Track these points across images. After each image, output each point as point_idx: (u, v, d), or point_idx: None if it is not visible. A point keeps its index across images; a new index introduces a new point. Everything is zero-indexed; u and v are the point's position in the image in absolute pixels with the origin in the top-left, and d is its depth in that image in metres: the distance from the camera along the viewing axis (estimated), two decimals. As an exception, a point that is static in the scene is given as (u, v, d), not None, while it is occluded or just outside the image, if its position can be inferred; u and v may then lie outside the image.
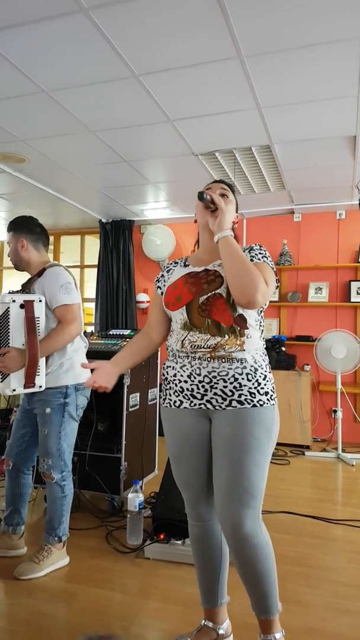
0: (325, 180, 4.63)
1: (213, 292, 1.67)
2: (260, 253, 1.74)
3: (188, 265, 1.83)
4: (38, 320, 2.34)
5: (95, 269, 6.49)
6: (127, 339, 3.49)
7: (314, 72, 2.80)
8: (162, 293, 1.84)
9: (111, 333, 3.69)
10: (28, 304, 2.32)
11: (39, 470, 2.49)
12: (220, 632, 1.81)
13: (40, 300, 2.37)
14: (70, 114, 3.35)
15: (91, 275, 6.74)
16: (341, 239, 5.52)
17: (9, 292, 2.44)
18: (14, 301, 2.28)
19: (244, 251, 1.74)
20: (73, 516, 3.00)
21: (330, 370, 4.94)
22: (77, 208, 5.68)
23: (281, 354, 5.24)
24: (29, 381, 2.30)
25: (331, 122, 3.40)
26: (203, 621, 1.83)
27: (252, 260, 1.70)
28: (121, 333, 3.64)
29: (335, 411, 5.01)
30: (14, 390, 2.29)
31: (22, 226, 2.59)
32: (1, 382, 2.31)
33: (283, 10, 2.31)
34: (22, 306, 2.30)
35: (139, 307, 6.27)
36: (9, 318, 2.28)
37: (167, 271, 1.88)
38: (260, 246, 1.78)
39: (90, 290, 6.80)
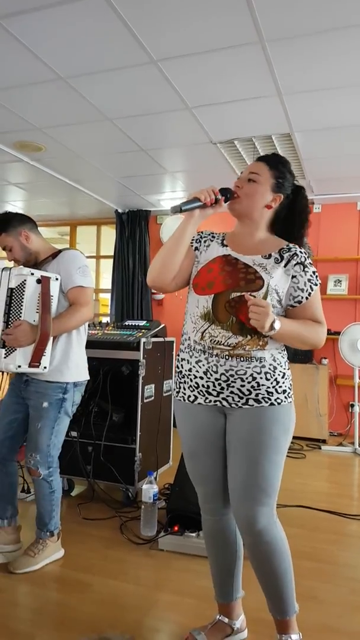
0: (347, 170, 4.54)
1: (249, 294, 1.56)
2: (309, 280, 1.62)
3: (226, 246, 1.72)
4: (52, 299, 2.28)
5: (111, 260, 6.47)
6: (143, 330, 3.46)
7: (337, 57, 2.72)
8: (196, 258, 1.73)
9: (127, 324, 3.67)
10: (45, 280, 2.24)
11: (25, 465, 2.38)
12: (235, 627, 1.78)
13: (56, 279, 2.30)
14: (87, 102, 3.32)
15: (107, 266, 6.73)
16: (362, 230, 5.42)
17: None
18: (32, 274, 2.21)
19: (289, 260, 1.62)
20: (87, 506, 3.03)
21: (356, 364, 4.82)
22: (94, 198, 5.66)
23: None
24: (35, 359, 2.20)
25: (355, 109, 3.31)
26: (217, 616, 1.80)
27: (301, 291, 1.61)
28: (137, 324, 3.62)
29: (352, 405, 4.94)
30: (19, 367, 2.18)
31: (14, 220, 2.42)
32: (5, 357, 2.20)
33: (307, -9, 2.24)
34: (38, 281, 2.23)
35: (155, 298, 6.24)
36: (24, 291, 2.20)
37: (204, 241, 1.76)
38: (306, 262, 1.64)
39: (106, 281, 6.79)
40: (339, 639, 1.85)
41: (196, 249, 1.75)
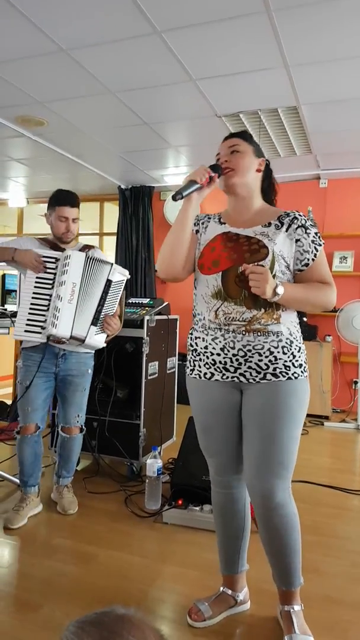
0: (354, 144, 4.45)
1: (256, 264, 1.57)
2: (313, 242, 1.63)
3: (224, 224, 1.72)
4: None
5: (115, 237, 6.42)
6: (147, 308, 3.46)
7: (346, 27, 2.64)
8: (198, 240, 1.73)
9: (130, 301, 3.66)
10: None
11: (67, 427, 2.70)
12: (238, 598, 1.82)
13: None
14: (89, 74, 3.25)
15: (110, 244, 6.69)
16: (368, 206, 5.34)
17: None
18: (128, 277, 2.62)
19: (290, 224, 1.62)
20: (92, 480, 3.08)
21: (351, 341, 4.86)
22: (96, 174, 5.59)
23: (302, 325, 5.10)
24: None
25: (363, 81, 3.23)
26: (221, 588, 1.84)
27: (307, 253, 1.62)
28: (140, 301, 3.61)
29: (355, 382, 4.96)
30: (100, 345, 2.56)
31: None
32: (96, 334, 2.48)
33: None
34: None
35: (158, 275, 6.20)
36: (120, 288, 2.54)
37: (201, 223, 1.77)
38: (308, 223, 1.65)
39: (110, 259, 6.74)
40: (340, 609, 1.89)
41: (197, 231, 1.76)
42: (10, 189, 6.50)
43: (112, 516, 2.64)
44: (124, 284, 2.56)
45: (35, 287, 2.46)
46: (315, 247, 1.63)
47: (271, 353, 1.58)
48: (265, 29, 2.67)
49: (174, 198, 1.61)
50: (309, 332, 5.17)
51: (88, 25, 2.70)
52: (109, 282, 2.49)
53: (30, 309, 2.45)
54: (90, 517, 2.62)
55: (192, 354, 1.72)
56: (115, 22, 2.66)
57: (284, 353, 1.59)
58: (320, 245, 1.65)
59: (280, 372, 1.59)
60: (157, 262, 1.75)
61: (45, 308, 2.44)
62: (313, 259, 1.63)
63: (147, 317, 3.22)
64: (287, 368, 1.59)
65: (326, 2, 2.44)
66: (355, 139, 4.31)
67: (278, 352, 1.58)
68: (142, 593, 1.97)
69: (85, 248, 2.70)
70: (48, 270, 2.47)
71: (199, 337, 1.68)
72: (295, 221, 1.64)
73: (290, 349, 1.60)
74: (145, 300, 3.62)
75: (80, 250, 2.61)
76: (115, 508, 2.74)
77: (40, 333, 2.43)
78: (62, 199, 2.66)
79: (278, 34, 2.71)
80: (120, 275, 2.53)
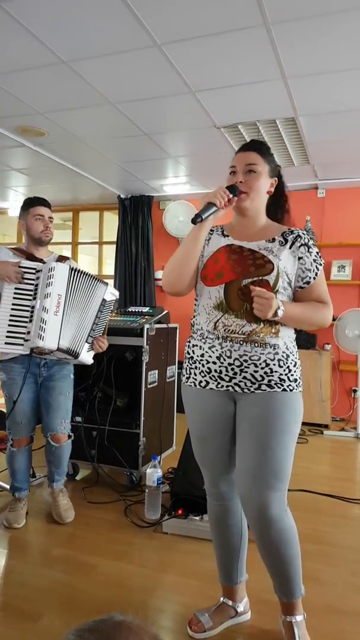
0: (351, 155, 4.49)
1: (260, 278, 1.59)
2: (315, 261, 1.65)
3: (227, 236, 1.73)
4: None
5: (114, 246, 6.45)
6: (146, 316, 3.47)
7: (343, 40, 2.67)
8: (201, 253, 1.72)
9: (130, 310, 3.68)
10: None
11: (54, 434, 2.65)
12: (239, 609, 1.82)
13: None
14: (90, 86, 3.28)
15: (110, 252, 6.71)
16: (366, 215, 5.37)
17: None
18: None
19: (294, 242, 1.64)
20: (92, 490, 3.07)
21: (348, 349, 4.87)
22: (96, 183, 5.62)
23: (301, 333, 5.18)
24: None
25: (360, 92, 3.27)
26: (221, 598, 1.84)
27: (308, 271, 1.64)
28: (140, 310, 3.62)
29: (355, 391, 4.96)
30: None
31: None
32: (88, 351, 2.54)
33: (313, -28, 2.20)
34: None
35: (158, 284, 6.23)
36: (111, 307, 2.62)
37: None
38: (310, 242, 1.67)
39: (109, 267, 6.78)
40: (341, 618, 1.88)
41: None
42: (10, 198, 6.53)
43: (112, 526, 2.64)
44: (112, 304, 2.62)
45: (14, 298, 2.39)
46: (316, 267, 1.66)
47: (267, 365, 1.59)
48: (263, 42, 2.71)
49: (194, 222, 1.62)
50: (308, 341, 5.18)
51: (89, 38, 2.73)
52: (104, 302, 2.55)
53: (10, 320, 2.37)
54: (90, 527, 2.61)
55: (189, 362, 1.73)
56: (116, 35, 2.70)
57: (280, 366, 1.60)
58: (320, 265, 1.68)
59: (275, 384, 1.59)
60: (163, 277, 1.75)
61: (27, 319, 2.37)
62: (314, 278, 1.66)
63: (147, 326, 3.23)
64: (282, 381, 1.60)
65: (322, 15, 2.47)
66: (352, 149, 4.34)
67: (274, 364, 1.59)
68: (142, 603, 1.96)
69: (61, 259, 2.70)
70: (27, 281, 2.40)
71: (196, 345, 1.69)
72: (299, 239, 1.66)
73: (287, 363, 1.61)
74: (145, 309, 3.63)
75: (57, 261, 2.61)
76: (115, 518, 2.73)
77: (22, 345, 2.36)
78: (34, 201, 2.73)
79: (276, 46, 2.75)
80: (112, 295, 2.60)
